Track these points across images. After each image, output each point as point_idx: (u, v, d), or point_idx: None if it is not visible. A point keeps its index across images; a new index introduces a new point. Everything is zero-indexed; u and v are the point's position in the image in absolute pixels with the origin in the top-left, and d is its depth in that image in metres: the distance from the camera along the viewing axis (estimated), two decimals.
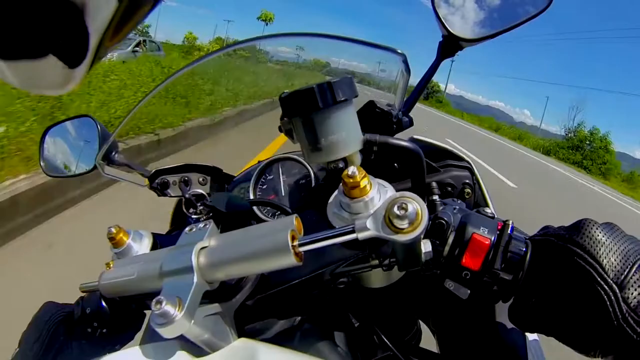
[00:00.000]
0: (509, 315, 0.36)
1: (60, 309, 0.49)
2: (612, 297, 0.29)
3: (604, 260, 0.31)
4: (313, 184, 0.64)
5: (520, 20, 0.66)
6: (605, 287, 0.30)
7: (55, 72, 0.14)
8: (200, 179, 0.70)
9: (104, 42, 0.14)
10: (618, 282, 0.30)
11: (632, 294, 0.29)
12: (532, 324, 0.35)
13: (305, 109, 0.43)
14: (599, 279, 0.30)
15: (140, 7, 0.15)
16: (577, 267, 0.31)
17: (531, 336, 0.51)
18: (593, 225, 0.32)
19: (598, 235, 0.32)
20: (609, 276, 0.30)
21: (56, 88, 0.16)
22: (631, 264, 0.30)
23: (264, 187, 0.69)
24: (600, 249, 0.31)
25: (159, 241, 0.48)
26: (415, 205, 0.30)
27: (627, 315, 0.29)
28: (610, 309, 0.29)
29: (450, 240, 0.35)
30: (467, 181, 0.59)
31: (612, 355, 0.31)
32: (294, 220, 0.31)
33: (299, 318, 0.42)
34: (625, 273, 0.30)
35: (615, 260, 0.31)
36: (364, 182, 0.34)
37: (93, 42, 0.14)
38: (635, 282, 0.30)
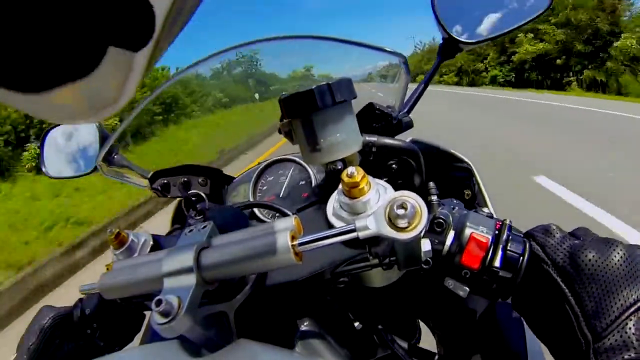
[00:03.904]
0: (512, 304, 0.37)
1: (57, 313, 0.48)
2: (584, 347, 0.29)
3: (588, 307, 0.29)
4: (312, 185, 0.64)
5: (519, 23, 0.66)
6: (580, 336, 0.29)
7: (107, 81, 0.13)
8: (201, 180, 0.70)
9: (164, 30, 0.12)
10: (595, 333, 0.29)
11: (605, 348, 0.28)
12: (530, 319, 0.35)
13: (305, 110, 0.43)
14: (576, 327, 0.30)
15: None
16: (561, 304, 0.31)
17: (531, 335, 0.51)
18: (590, 253, 0.30)
19: (592, 270, 0.30)
20: (587, 325, 0.29)
21: (108, 105, 0.14)
22: (617, 314, 0.28)
23: (264, 188, 0.69)
24: (587, 291, 0.30)
25: (159, 242, 0.48)
26: (415, 204, 0.30)
27: None
28: (579, 357, 0.29)
29: (449, 239, 0.36)
30: (467, 182, 0.60)
31: None
32: (294, 221, 0.31)
33: (299, 318, 0.43)
34: (607, 324, 0.28)
35: (600, 307, 0.29)
36: (363, 182, 0.34)
37: (159, 23, 0.12)
38: (613, 336, 0.28)
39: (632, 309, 0.28)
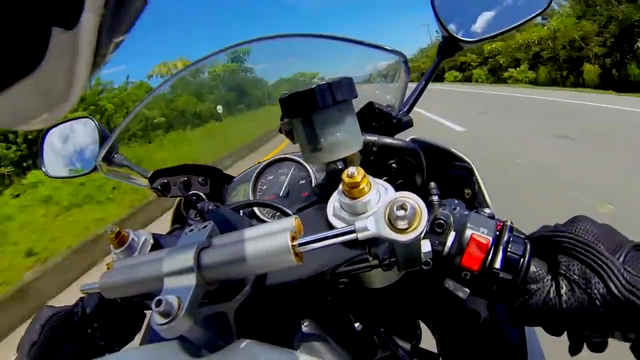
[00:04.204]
0: (506, 313, 0.36)
1: (56, 313, 0.49)
2: (614, 268, 0.31)
3: (599, 245, 0.33)
4: (312, 184, 0.64)
5: (519, 21, 0.66)
6: (607, 260, 0.31)
7: (55, 74, 0.12)
8: (201, 180, 0.70)
9: (106, 13, 0.12)
10: (614, 253, 0.32)
11: (631, 262, 0.31)
12: (533, 317, 0.35)
13: (305, 109, 0.43)
14: (599, 255, 0.32)
15: None
16: (576, 250, 0.33)
17: (530, 335, 0.51)
18: (585, 220, 0.35)
19: (591, 227, 0.34)
20: (605, 255, 0.32)
21: (60, 101, 0.14)
22: (621, 246, 0.32)
23: (264, 187, 0.69)
24: (593, 236, 0.33)
25: (160, 241, 0.48)
26: (415, 205, 0.30)
27: (630, 282, 0.30)
28: (617, 278, 0.31)
29: (449, 240, 0.35)
30: (467, 181, 0.60)
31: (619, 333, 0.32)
32: (294, 221, 0.31)
33: (299, 319, 0.43)
34: (621, 252, 0.32)
35: (608, 242, 0.33)
36: (363, 183, 0.34)
37: None
38: (633, 257, 0.32)
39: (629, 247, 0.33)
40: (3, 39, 0.11)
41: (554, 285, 0.33)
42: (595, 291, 0.31)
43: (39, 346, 0.45)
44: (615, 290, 0.30)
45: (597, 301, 0.31)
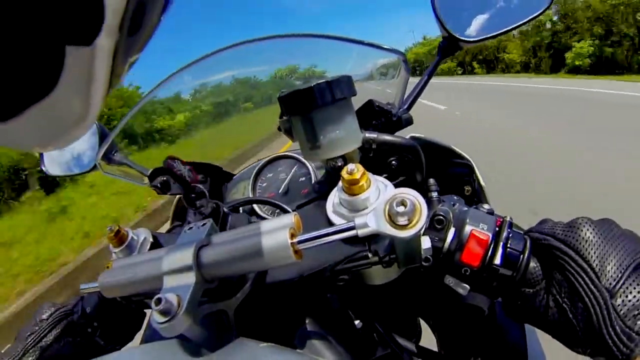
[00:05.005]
0: (502, 305, 0.36)
1: (58, 309, 0.49)
2: (602, 304, 0.29)
3: (596, 264, 0.30)
4: (312, 182, 0.64)
5: (520, 21, 0.66)
6: (596, 292, 0.29)
7: (72, 93, 0.12)
8: (200, 177, 0.70)
9: (123, 28, 0.12)
10: (609, 288, 0.29)
11: (622, 301, 0.29)
12: (525, 316, 0.35)
13: (304, 107, 0.43)
14: (590, 284, 0.30)
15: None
16: (569, 270, 0.31)
17: (530, 334, 0.51)
18: (587, 225, 0.32)
19: (592, 236, 0.31)
20: (600, 281, 0.29)
21: (73, 125, 0.13)
22: (625, 267, 0.30)
23: (264, 185, 0.69)
24: (593, 251, 0.31)
25: (159, 240, 0.48)
26: (415, 201, 0.30)
27: (615, 323, 0.28)
28: (600, 316, 0.29)
29: (449, 236, 0.35)
30: (466, 178, 0.59)
31: (603, 358, 0.30)
32: (293, 218, 0.31)
33: (299, 316, 0.42)
34: (618, 278, 0.29)
35: (608, 263, 0.30)
36: (363, 179, 0.34)
37: (110, 12, 0.11)
38: (627, 289, 0.29)
39: (636, 263, 0.30)
40: (18, 60, 0.11)
41: (544, 300, 0.33)
42: (581, 324, 0.30)
43: (35, 338, 0.45)
44: (602, 332, 0.29)
45: (579, 332, 0.31)
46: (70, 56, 0.11)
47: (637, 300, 0.28)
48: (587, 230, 0.32)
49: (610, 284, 0.29)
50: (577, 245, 0.31)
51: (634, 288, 0.29)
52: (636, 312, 0.28)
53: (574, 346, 0.32)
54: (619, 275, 0.29)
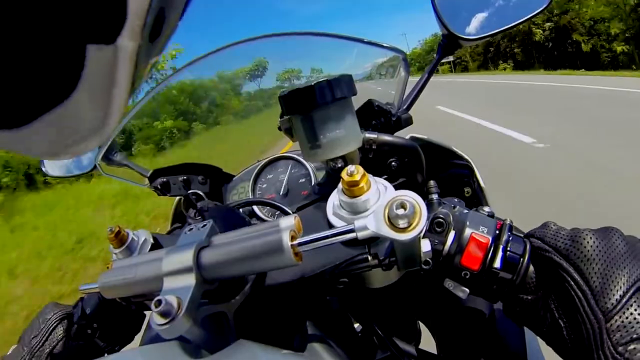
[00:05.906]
0: (503, 307, 0.36)
1: (60, 309, 0.49)
2: (597, 328, 0.28)
3: (596, 285, 0.29)
4: (312, 183, 0.64)
5: (519, 20, 0.66)
6: (591, 317, 0.28)
7: (90, 100, 0.11)
8: (200, 179, 0.70)
9: (146, 26, 0.11)
10: (606, 311, 0.28)
11: (617, 326, 0.28)
12: (525, 320, 0.35)
13: (304, 106, 0.43)
14: (587, 307, 0.29)
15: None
16: (569, 288, 0.30)
17: (530, 338, 0.51)
18: (591, 239, 0.31)
19: (595, 253, 0.30)
20: (598, 304, 0.29)
21: (90, 134, 0.12)
22: (625, 290, 0.28)
23: (264, 186, 0.69)
24: (594, 271, 0.29)
25: (159, 241, 0.48)
26: (415, 204, 0.29)
27: (606, 347, 0.28)
28: (592, 340, 0.28)
29: (449, 239, 0.35)
30: (467, 179, 0.59)
31: None
32: (294, 220, 0.31)
33: (299, 319, 0.42)
34: (616, 302, 0.28)
35: (609, 284, 0.29)
36: (363, 181, 0.34)
37: (133, 9, 0.10)
38: (624, 313, 0.28)
39: (637, 286, 0.28)
40: (37, 60, 0.10)
41: (542, 311, 0.33)
42: (574, 342, 0.30)
43: (40, 338, 0.46)
44: (593, 356, 0.28)
45: (572, 349, 0.31)
46: (92, 56, 0.11)
47: (632, 327, 0.28)
48: (591, 246, 0.30)
49: (608, 307, 0.28)
50: (579, 264, 0.30)
51: (631, 313, 0.28)
52: (629, 339, 0.27)
53: (567, 359, 0.32)
54: (618, 298, 0.28)
